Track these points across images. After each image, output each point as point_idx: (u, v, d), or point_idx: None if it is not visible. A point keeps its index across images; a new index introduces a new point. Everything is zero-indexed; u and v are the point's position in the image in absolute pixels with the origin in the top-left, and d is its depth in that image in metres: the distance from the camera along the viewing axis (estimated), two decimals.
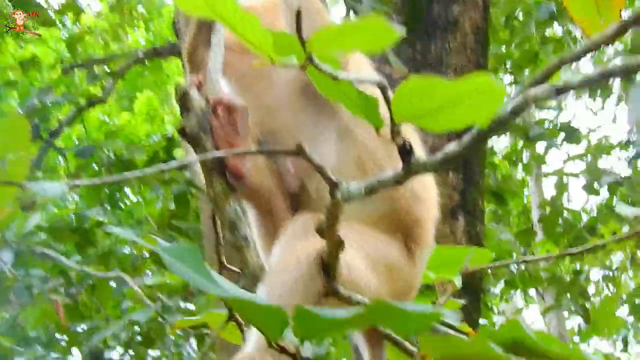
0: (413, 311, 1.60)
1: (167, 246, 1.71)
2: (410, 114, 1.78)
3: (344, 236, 2.04)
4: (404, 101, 1.76)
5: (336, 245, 2.05)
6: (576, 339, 14.14)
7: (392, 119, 1.79)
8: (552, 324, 13.90)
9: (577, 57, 2.08)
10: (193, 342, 9.91)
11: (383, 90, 1.78)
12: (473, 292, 6.57)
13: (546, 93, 1.76)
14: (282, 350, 1.75)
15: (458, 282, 2.66)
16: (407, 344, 2.28)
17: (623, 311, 11.69)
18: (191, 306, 9.58)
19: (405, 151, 1.81)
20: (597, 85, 9.24)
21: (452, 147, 1.80)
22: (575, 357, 1.86)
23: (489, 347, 1.70)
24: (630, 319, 11.83)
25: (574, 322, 13.89)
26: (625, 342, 12.72)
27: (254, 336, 2.11)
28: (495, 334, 1.80)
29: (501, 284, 11.69)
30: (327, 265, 2.13)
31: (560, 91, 1.75)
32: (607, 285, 11.77)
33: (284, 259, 2.26)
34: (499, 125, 1.75)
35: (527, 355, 1.87)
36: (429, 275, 2.67)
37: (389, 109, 1.77)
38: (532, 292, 13.52)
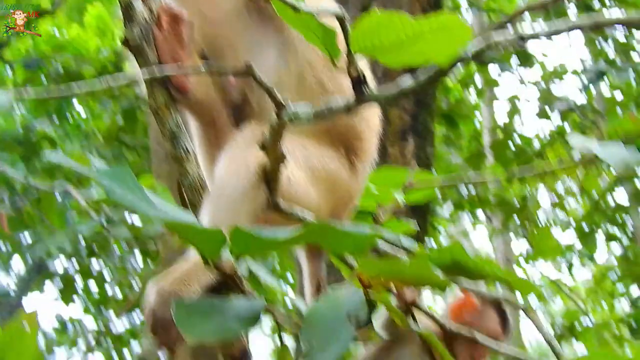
0: (352, 233, 1.60)
1: (103, 169, 1.69)
2: (368, 47, 1.79)
3: (286, 150, 2.05)
4: (364, 34, 1.77)
5: (278, 159, 2.06)
6: (523, 263, 14.34)
7: (348, 51, 1.80)
8: (499, 247, 14.06)
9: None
10: (138, 255, 9.94)
11: (342, 22, 1.78)
12: (420, 213, 6.60)
13: (510, 41, 1.77)
14: (218, 269, 1.75)
15: (400, 199, 2.67)
16: (348, 257, 2.30)
17: (570, 236, 11.89)
18: (136, 219, 9.59)
19: (359, 82, 1.82)
20: (552, 9, 9.23)
21: (407, 81, 1.81)
22: (511, 280, 1.90)
23: (429, 269, 1.73)
24: (578, 244, 12.03)
25: (521, 245, 14.08)
26: (570, 267, 12.93)
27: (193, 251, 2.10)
28: (436, 255, 1.82)
29: (449, 206, 11.79)
30: (269, 179, 2.14)
31: (525, 39, 1.76)
32: (555, 211, 11.91)
33: (228, 171, 2.25)
34: (459, 64, 1.76)
35: (465, 275, 1.90)
36: (372, 191, 2.69)
37: (347, 40, 1.78)
38: (480, 214, 13.65)
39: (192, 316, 1.64)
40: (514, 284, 1.93)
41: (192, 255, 2.06)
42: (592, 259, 12.63)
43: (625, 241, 11.70)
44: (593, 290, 14.16)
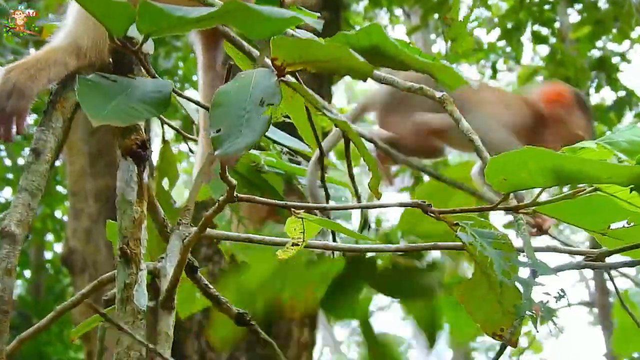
0: (270, 14, 1.62)
1: None
2: None
3: None
4: None
5: None
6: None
7: None
8: (418, 46, 14.12)
9: None
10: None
11: None
12: (333, 8, 6.62)
13: None
14: (123, 45, 1.76)
15: None
16: (249, 46, 2.31)
17: (494, 35, 11.98)
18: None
19: None
20: None
21: None
22: (436, 67, 1.91)
23: (348, 52, 1.73)
24: (502, 43, 12.10)
25: (440, 45, 14.17)
26: (494, 69, 13.05)
27: (63, 32, 2.06)
28: (353, 38, 1.83)
29: (364, 1, 11.77)
30: None
31: None
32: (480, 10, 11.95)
33: None
34: None
35: (386, 62, 1.91)
36: None
37: None
38: (398, 11, 13.65)
39: (96, 96, 1.65)
40: (440, 73, 1.93)
41: (51, 44, 2.04)
42: (517, 61, 12.71)
43: (553, 41, 11.79)
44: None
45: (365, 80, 1.81)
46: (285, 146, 2.89)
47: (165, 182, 2.84)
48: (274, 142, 2.88)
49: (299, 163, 2.90)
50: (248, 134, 1.60)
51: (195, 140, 2.82)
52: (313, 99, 2.23)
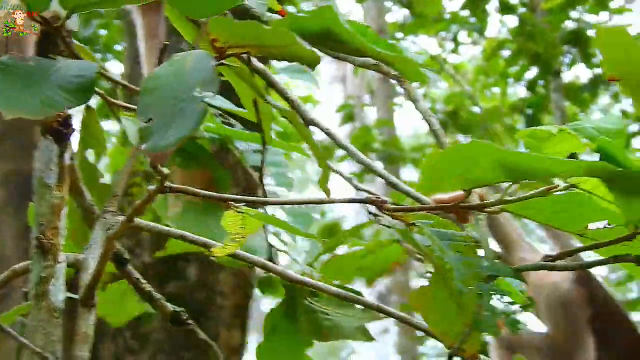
0: None
1: None
2: None
3: None
4: None
5: None
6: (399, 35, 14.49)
7: None
8: (371, 15, 14.17)
9: None
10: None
11: None
12: None
13: None
14: (45, 21, 1.75)
15: None
16: None
17: (457, 3, 12.02)
18: None
19: None
20: None
21: None
22: (395, 58, 1.91)
23: (293, 39, 1.72)
24: (465, 12, 12.12)
25: (398, 14, 14.21)
26: (456, 41, 13.07)
27: None
28: (302, 21, 1.83)
29: None
30: None
31: None
32: None
33: None
34: None
35: (339, 48, 1.91)
36: None
37: None
38: None
39: (9, 82, 1.62)
40: (400, 65, 1.93)
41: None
42: (482, 33, 12.73)
43: (522, 11, 11.80)
44: (482, 69, 14.28)
45: (313, 69, 1.80)
46: (216, 107, 2.87)
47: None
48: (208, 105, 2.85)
49: (232, 126, 2.88)
50: (182, 126, 1.57)
51: (124, 107, 2.79)
52: (257, 86, 2.22)
